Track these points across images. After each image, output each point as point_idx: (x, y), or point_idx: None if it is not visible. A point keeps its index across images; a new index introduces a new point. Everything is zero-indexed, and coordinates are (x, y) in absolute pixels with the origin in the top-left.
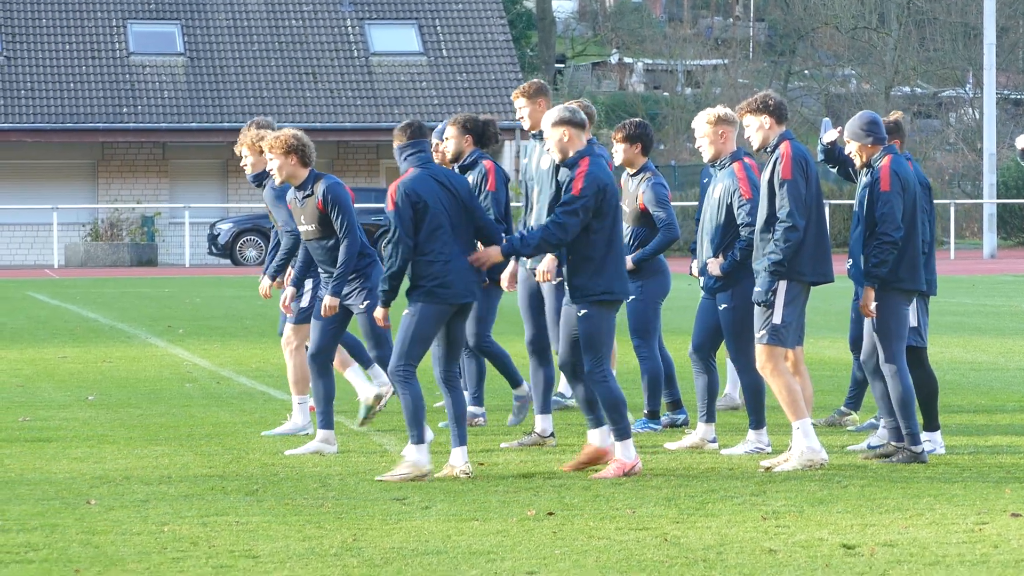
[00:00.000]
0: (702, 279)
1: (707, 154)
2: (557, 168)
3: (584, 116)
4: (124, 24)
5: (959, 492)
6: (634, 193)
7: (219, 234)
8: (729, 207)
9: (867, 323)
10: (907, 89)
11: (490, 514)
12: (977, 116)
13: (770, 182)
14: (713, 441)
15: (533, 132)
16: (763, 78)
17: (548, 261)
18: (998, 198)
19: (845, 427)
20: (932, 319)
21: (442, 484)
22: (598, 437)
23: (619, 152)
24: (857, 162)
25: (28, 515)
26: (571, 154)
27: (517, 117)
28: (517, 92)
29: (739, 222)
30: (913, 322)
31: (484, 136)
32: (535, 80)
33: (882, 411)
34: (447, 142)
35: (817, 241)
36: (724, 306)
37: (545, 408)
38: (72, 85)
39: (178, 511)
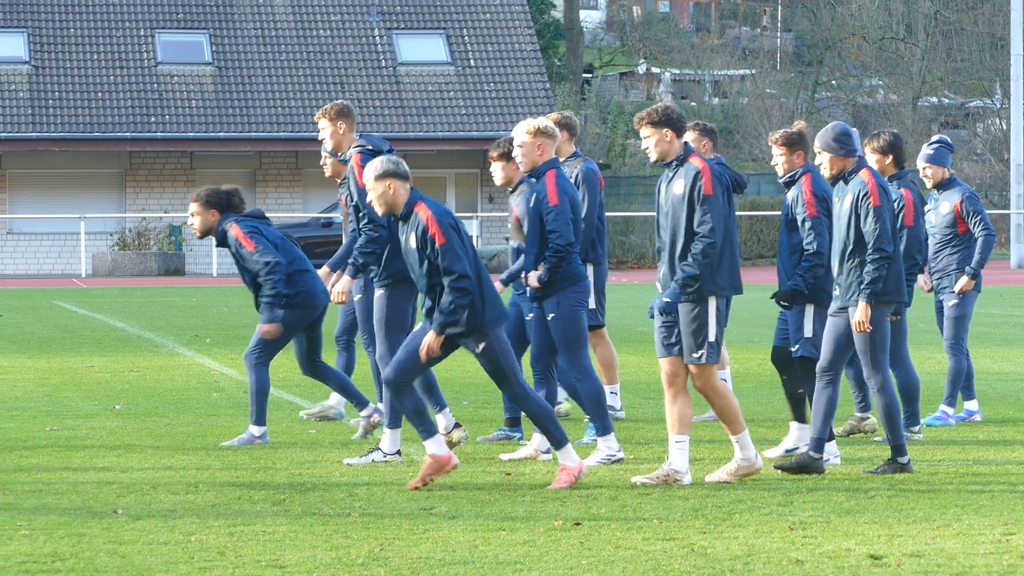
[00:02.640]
0: (527, 291)
1: (523, 165)
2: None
3: (407, 167)
4: (152, 33)
5: (986, 503)
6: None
7: None
8: (542, 217)
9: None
10: (934, 99)
11: (517, 524)
12: (1004, 126)
13: (690, 199)
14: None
15: (337, 154)
16: (790, 88)
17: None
18: None
19: (866, 432)
20: None
21: (468, 494)
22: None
23: (497, 171)
24: (826, 174)
25: (55, 524)
26: (400, 207)
27: (319, 139)
28: (320, 113)
29: (547, 228)
30: (808, 332)
31: (229, 206)
32: (338, 102)
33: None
34: (193, 219)
35: (732, 254)
36: (551, 315)
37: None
38: (100, 95)
39: (205, 521)
